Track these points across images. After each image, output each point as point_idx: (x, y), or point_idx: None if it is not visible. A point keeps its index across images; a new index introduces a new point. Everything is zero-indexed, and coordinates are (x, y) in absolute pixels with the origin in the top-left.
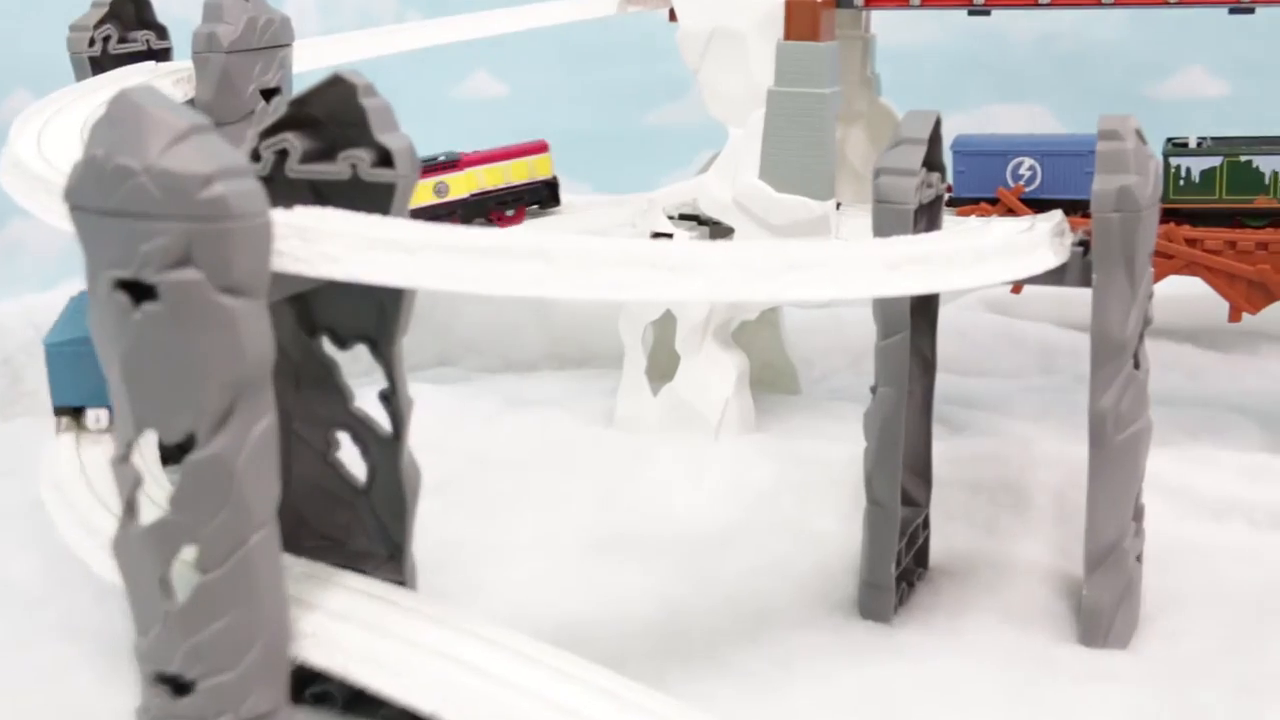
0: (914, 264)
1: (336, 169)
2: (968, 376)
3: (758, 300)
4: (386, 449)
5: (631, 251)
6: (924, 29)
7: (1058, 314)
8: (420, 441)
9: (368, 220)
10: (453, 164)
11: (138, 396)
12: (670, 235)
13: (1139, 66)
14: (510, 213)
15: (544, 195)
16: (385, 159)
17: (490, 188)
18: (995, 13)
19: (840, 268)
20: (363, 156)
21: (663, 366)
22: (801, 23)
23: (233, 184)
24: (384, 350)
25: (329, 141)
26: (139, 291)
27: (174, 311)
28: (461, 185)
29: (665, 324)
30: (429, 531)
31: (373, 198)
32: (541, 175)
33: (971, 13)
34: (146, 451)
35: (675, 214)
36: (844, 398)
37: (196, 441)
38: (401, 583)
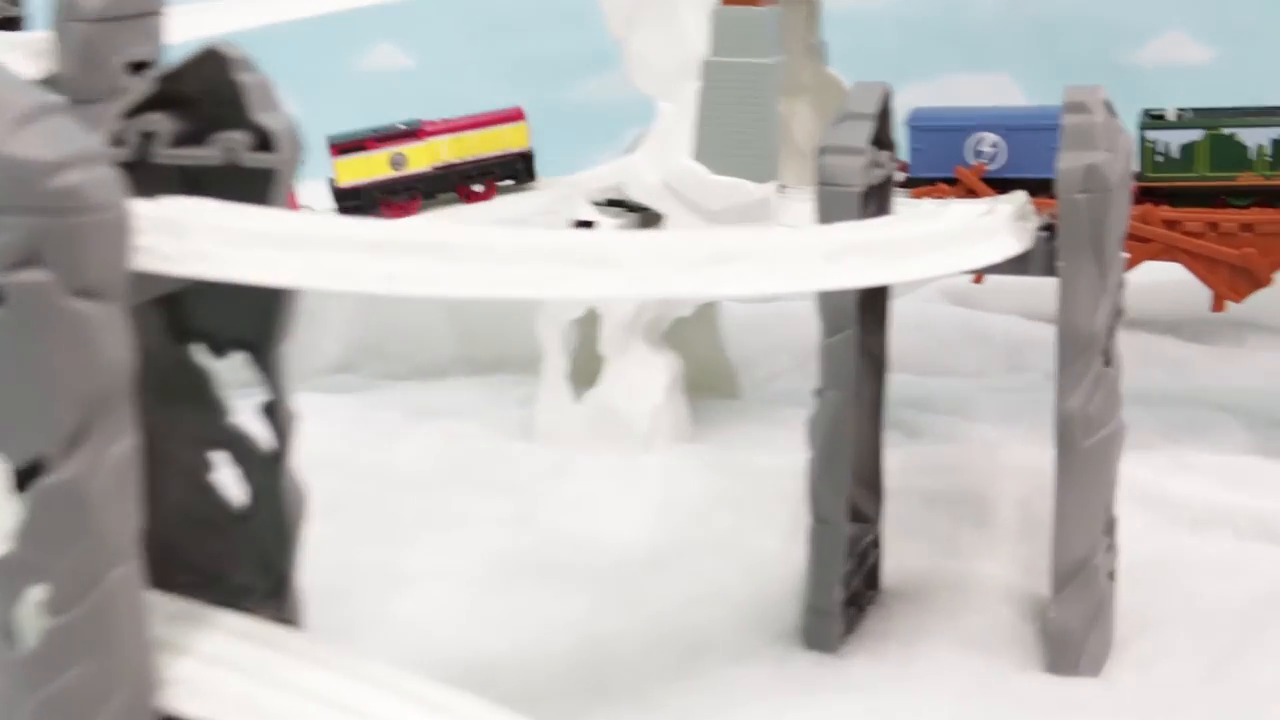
0: (857, 253)
1: (210, 153)
2: (926, 376)
3: (681, 297)
4: (268, 469)
5: (539, 244)
6: None
7: (1027, 305)
8: (315, 458)
9: (244, 211)
10: (412, 133)
11: None
12: (593, 224)
13: (1113, 31)
14: (479, 188)
15: (518, 169)
16: (265, 142)
17: (455, 160)
18: None
19: (774, 259)
20: (239, 139)
21: (587, 371)
22: None
23: (87, 172)
24: (265, 358)
25: (201, 122)
26: None
27: (19, 317)
28: (422, 157)
29: (589, 323)
30: (324, 559)
31: (251, 185)
32: (516, 147)
33: None
34: None
35: (600, 200)
36: (789, 402)
37: (46, 465)
38: (287, 620)
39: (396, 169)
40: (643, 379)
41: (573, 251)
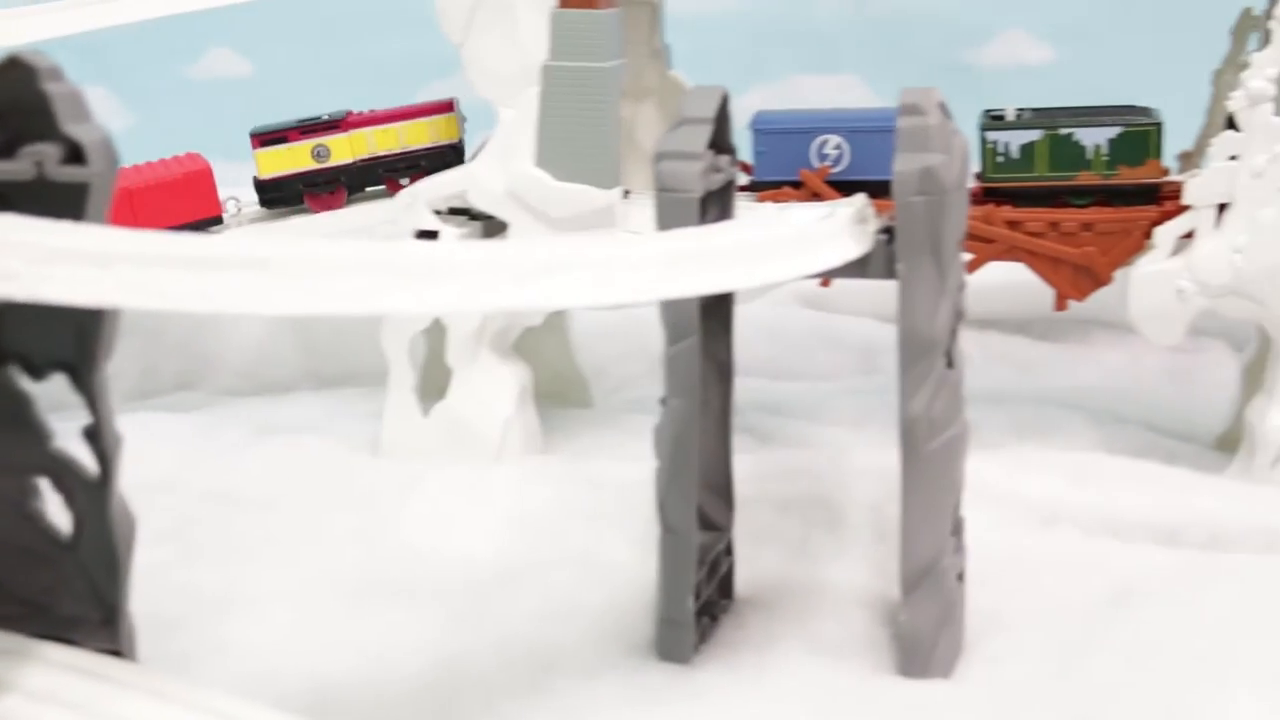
0: (694, 261)
1: (18, 168)
2: (779, 380)
3: (515, 308)
4: (94, 495)
5: (365, 257)
6: None
7: (879, 307)
8: (154, 480)
9: (54, 228)
10: (335, 124)
11: None
12: (436, 234)
13: (958, 31)
14: (406, 181)
15: (449, 161)
16: (76, 154)
17: (382, 152)
18: None
19: (609, 268)
20: (49, 152)
21: (435, 383)
22: None
23: None
24: (85, 379)
25: (8, 135)
26: None
27: None
28: (346, 149)
29: (436, 334)
30: (161, 586)
31: (63, 200)
32: (446, 139)
33: None
34: None
35: (442, 208)
36: (642, 410)
37: None
38: (118, 651)
39: (319, 160)
40: (492, 390)
41: (401, 264)
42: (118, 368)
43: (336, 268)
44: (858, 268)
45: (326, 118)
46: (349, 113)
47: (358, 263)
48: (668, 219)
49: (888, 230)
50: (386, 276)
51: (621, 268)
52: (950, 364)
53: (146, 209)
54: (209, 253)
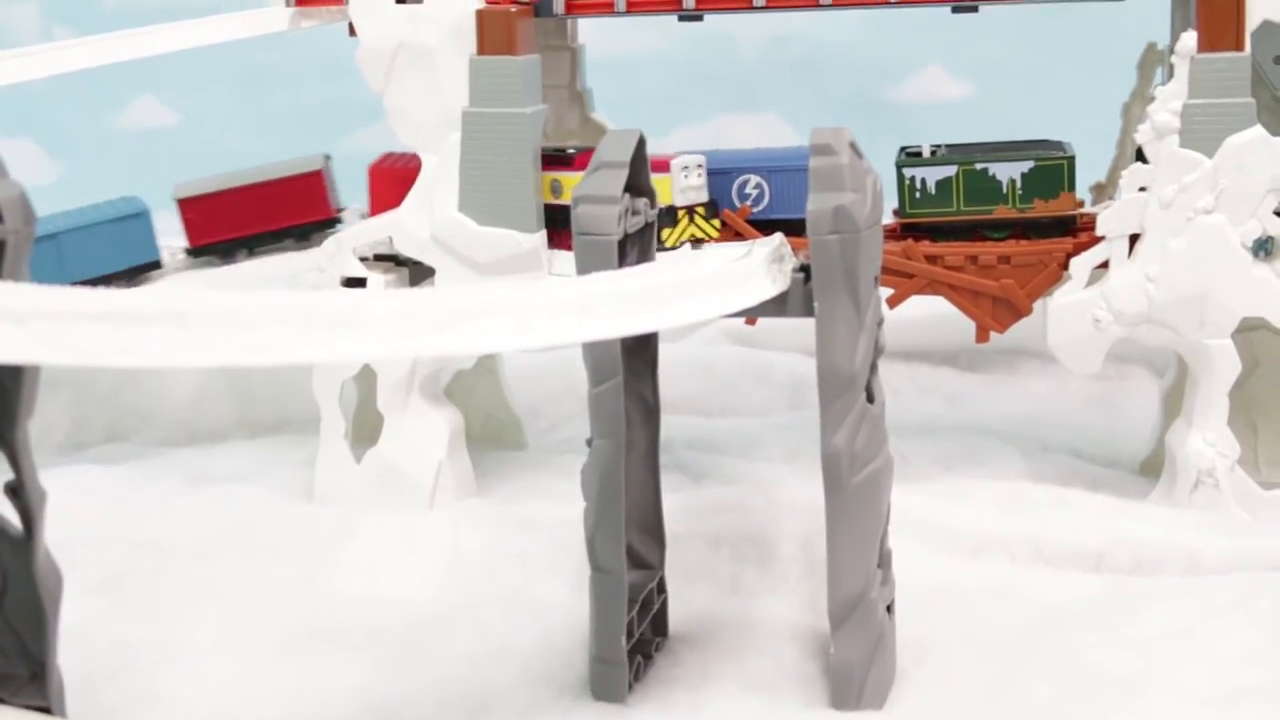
0: (611, 303)
1: None
2: (710, 417)
3: (432, 355)
4: (19, 551)
5: (281, 308)
6: (642, 38)
7: (806, 343)
8: (86, 532)
9: None
10: None
11: None
12: (363, 281)
13: (876, 68)
14: None
15: None
16: None
17: None
18: (709, 17)
19: (527, 313)
20: None
21: (367, 428)
22: (496, 35)
23: None
24: (6, 435)
25: None
26: None
27: None
28: None
29: (367, 380)
30: (93, 639)
31: None
32: None
33: (682, 18)
34: None
35: (369, 255)
36: (576, 450)
37: None
38: (46, 708)
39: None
40: (423, 435)
41: (317, 314)
42: (47, 421)
43: (254, 320)
44: (776, 306)
45: None
46: None
47: (275, 314)
48: (587, 262)
49: (805, 269)
50: (304, 328)
51: (540, 312)
52: (871, 399)
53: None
54: (126, 307)
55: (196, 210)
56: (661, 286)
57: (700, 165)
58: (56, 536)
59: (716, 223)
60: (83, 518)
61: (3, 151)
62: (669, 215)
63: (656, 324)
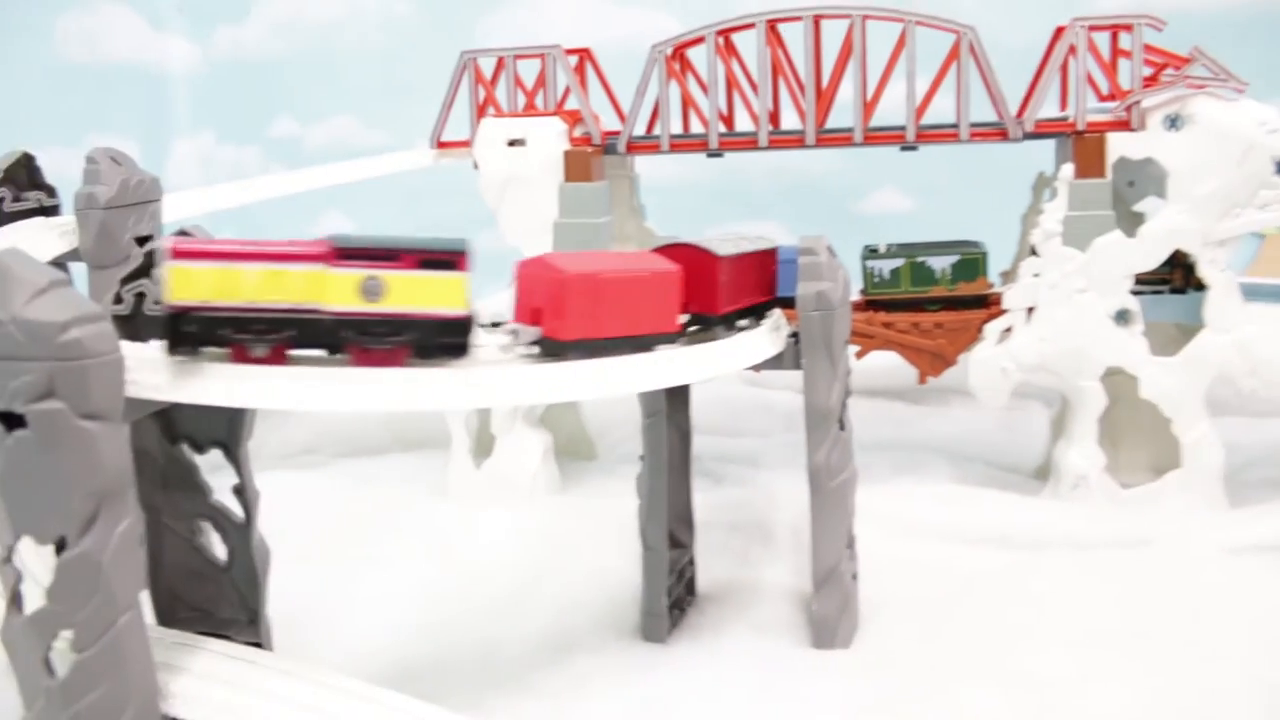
0: (672, 361)
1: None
2: (728, 437)
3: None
4: (240, 533)
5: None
6: (680, 167)
7: (798, 384)
8: (288, 519)
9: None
10: None
11: (14, 508)
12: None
13: (847, 189)
14: None
15: None
16: None
17: None
18: (728, 154)
19: (600, 373)
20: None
21: (484, 445)
22: (578, 168)
23: (87, 328)
24: (234, 452)
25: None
26: (11, 420)
27: (41, 436)
28: None
29: (484, 411)
30: (292, 595)
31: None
32: None
33: (709, 155)
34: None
35: (488, 322)
36: (633, 460)
37: (67, 543)
38: (258, 644)
39: None
40: (524, 450)
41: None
42: (260, 439)
43: (431, 381)
44: (776, 361)
45: None
46: None
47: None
48: None
49: (795, 334)
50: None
51: (608, 373)
52: (842, 427)
53: None
54: (325, 372)
55: None
56: (697, 350)
57: None
58: (266, 523)
59: None
60: (287, 506)
61: None
62: None
63: (698, 376)
